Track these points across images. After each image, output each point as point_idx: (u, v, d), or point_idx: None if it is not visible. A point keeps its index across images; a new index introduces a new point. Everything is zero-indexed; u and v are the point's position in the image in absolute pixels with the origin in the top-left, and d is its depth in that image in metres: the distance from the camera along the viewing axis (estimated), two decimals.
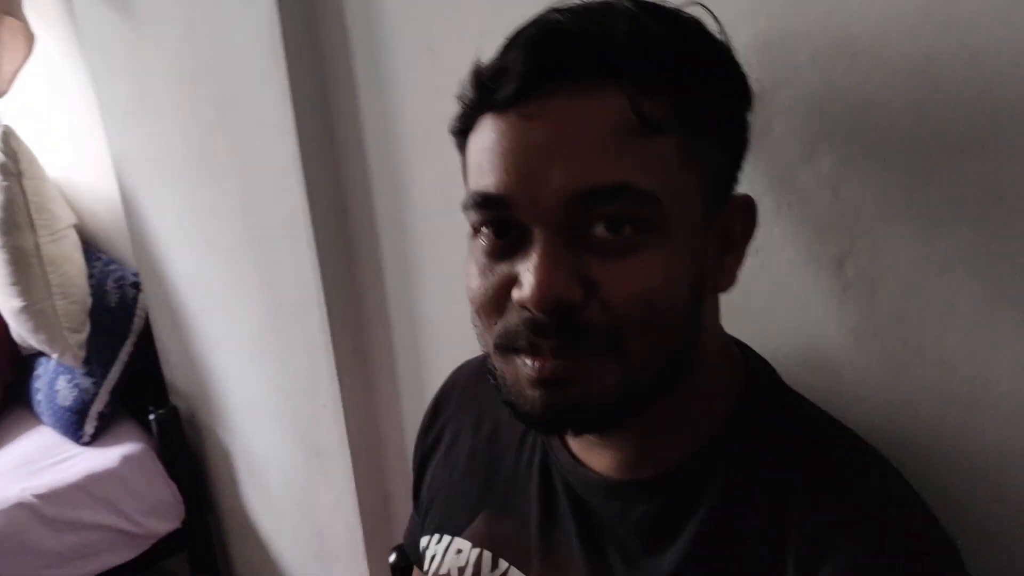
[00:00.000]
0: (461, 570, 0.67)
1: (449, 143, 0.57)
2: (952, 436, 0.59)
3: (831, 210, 0.61)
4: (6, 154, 1.80)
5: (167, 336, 1.90)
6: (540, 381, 0.51)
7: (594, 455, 0.61)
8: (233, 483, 1.83)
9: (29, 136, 1.94)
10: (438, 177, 0.96)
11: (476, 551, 0.67)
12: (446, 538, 0.70)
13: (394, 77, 0.98)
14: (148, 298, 1.91)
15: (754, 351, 0.62)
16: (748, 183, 0.60)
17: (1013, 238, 0.52)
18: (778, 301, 0.66)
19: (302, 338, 1.25)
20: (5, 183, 1.78)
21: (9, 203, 1.77)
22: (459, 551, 0.68)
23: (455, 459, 0.74)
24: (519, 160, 0.49)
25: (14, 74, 2.19)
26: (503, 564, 0.65)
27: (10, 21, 2.06)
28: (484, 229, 0.52)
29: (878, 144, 0.57)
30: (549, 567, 0.62)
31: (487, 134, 0.51)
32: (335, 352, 1.19)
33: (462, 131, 0.56)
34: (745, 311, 0.64)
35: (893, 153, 0.56)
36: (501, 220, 0.51)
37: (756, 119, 0.58)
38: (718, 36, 0.53)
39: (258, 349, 1.46)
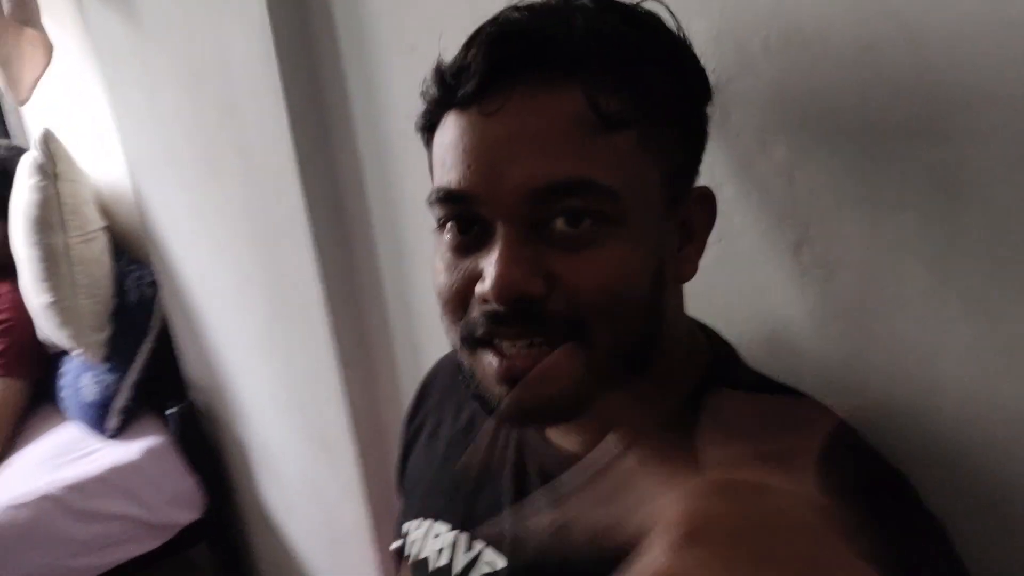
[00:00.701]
0: (439, 553, 0.69)
1: None
2: (909, 416, 0.59)
3: (787, 197, 0.62)
4: (45, 156, 1.86)
5: (183, 333, 1.95)
6: (506, 377, 0.53)
7: (564, 436, 0.63)
8: (249, 475, 1.87)
9: (78, 139, 1.99)
10: (426, 172, 0.98)
11: (452, 534, 0.69)
12: (426, 522, 0.72)
13: (382, 77, 1.00)
14: (164, 297, 1.96)
15: (718, 335, 0.63)
16: (708, 172, 0.61)
17: (955, 222, 0.53)
18: (740, 287, 0.67)
19: (306, 333, 1.28)
20: (42, 183, 1.84)
21: (44, 203, 1.83)
22: (437, 535, 0.70)
23: (435, 446, 0.76)
24: (480, 156, 0.51)
25: (35, 82, 2.25)
26: (477, 545, 0.67)
27: (29, 31, 2.12)
28: (448, 225, 0.54)
29: (829, 131, 0.58)
30: (520, 545, 0.64)
31: (449, 131, 0.53)
32: (337, 347, 1.22)
33: (427, 128, 0.57)
34: (708, 298, 0.65)
35: (843, 140, 0.57)
36: (464, 216, 0.53)
37: (714, 109, 0.59)
38: (675, 31, 0.55)
39: (266, 345, 1.50)
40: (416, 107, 0.58)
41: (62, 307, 1.84)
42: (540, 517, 0.63)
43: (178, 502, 1.91)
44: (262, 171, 1.22)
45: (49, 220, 1.84)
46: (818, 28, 0.56)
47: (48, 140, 1.89)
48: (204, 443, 1.97)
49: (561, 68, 0.50)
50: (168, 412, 1.91)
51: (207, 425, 1.99)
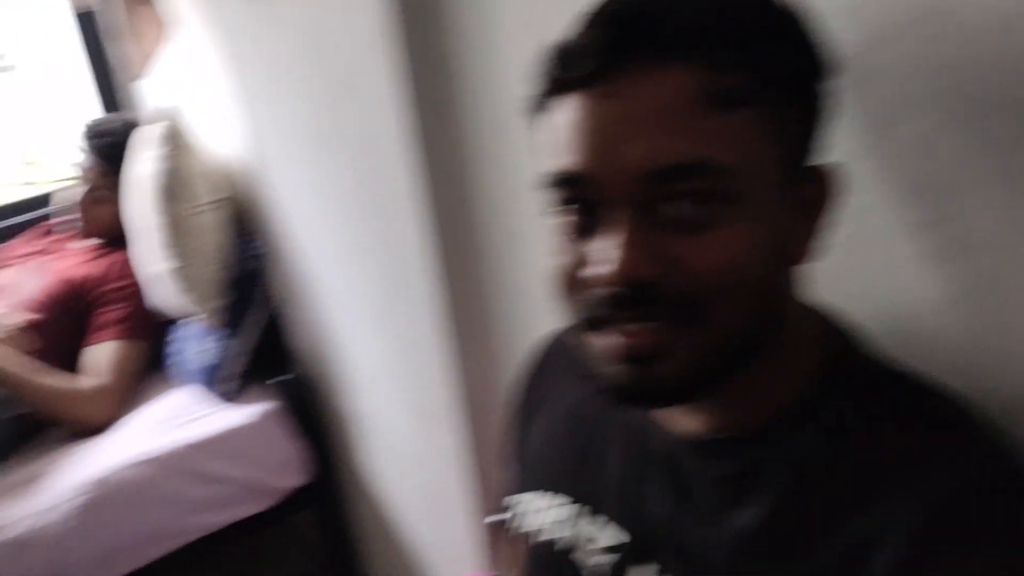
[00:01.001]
0: (558, 525, 0.71)
1: None
2: None
3: (920, 174, 0.60)
4: (171, 128, 1.95)
5: (293, 304, 2.01)
6: (624, 357, 0.53)
7: (678, 418, 0.63)
8: (354, 445, 1.92)
9: (194, 114, 2.08)
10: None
11: (572, 507, 0.70)
12: (544, 495, 0.74)
13: (501, 57, 1.00)
14: (276, 268, 2.02)
15: (843, 319, 0.62)
16: (838, 147, 0.60)
17: None
18: (870, 267, 0.66)
19: (418, 308, 1.30)
20: (170, 154, 1.92)
21: (171, 173, 1.91)
22: (555, 507, 0.72)
23: (554, 421, 0.77)
24: (597, 138, 0.51)
25: (149, 58, 2.35)
26: (599, 519, 0.68)
27: (144, 9, 2.21)
28: (564, 207, 0.54)
29: (966, 106, 0.56)
30: (637, 523, 0.65)
31: (565, 112, 0.53)
32: (449, 322, 1.23)
33: (538, 110, 0.57)
34: (838, 276, 0.64)
35: (982, 115, 0.55)
36: (579, 198, 0.53)
37: (848, 83, 0.58)
38: (793, 6, 0.53)
39: (377, 319, 1.53)
40: (532, 88, 0.58)
41: (187, 273, 1.92)
42: (661, 497, 0.63)
43: (286, 468, 1.96)
44: (378, 146, 1.23)
45: (175, 190, 1.91)
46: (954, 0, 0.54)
47: (173, 113, 1.97)
48: (311, 411, 2.02)
49: (678, 46, 0.49)
50: (277, 380, 1.97)
51: (314, 394, 2.05)
